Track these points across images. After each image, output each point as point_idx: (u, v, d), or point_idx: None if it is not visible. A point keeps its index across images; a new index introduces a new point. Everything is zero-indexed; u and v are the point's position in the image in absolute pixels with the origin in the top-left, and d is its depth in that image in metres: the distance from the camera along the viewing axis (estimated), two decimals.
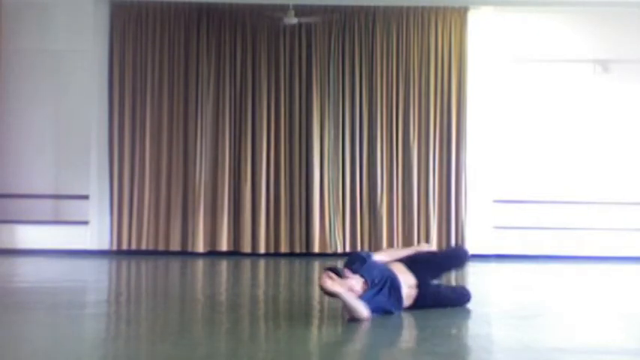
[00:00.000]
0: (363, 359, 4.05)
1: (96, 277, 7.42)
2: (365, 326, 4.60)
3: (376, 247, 9.26)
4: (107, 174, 9.28)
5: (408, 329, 4.54)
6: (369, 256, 5.07)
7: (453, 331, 4.46)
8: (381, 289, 4.82)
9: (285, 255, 9.20)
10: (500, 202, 9.36)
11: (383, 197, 9.30)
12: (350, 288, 4.70)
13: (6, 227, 9.13)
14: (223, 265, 8.49)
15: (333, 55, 9.37)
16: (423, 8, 9.41)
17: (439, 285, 5.31)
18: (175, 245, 9.22)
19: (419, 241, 9.27)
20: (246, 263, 8.51)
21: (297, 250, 9.27)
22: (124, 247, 9.23)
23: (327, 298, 5.51)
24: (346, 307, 4.63)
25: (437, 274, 5.29)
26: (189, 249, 9.20)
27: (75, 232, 9.19)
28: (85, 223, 9.24)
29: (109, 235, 9.23)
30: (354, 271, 4.83)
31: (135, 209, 9.25)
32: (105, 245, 9.22)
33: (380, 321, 4.93)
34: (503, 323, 4.69)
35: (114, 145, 9.27)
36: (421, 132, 9.38)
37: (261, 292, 6.36)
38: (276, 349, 4.12)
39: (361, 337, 4.46)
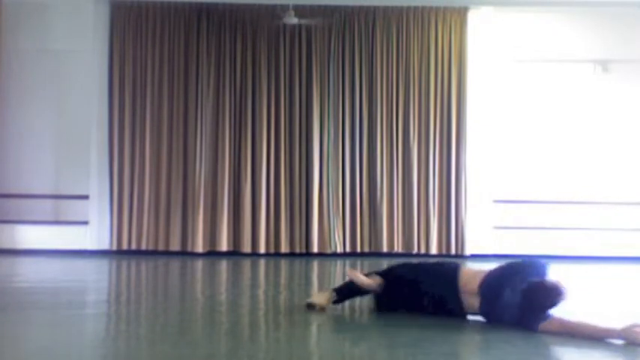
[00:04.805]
0: (363, 359, 4.05)
1: (96, 277, 7.41)
2: (366, 326, 4.59)
3: (376, 247, 9.27)
4: (107, 174, 9.29)
5: (409, 329, 4.54)
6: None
7: (453, 332, 4.46)
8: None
9: (285, 255, 9.20)
10: (500, 202, 9.37)
11: (383, 197, 9.30)
12: None
13: (6, 227, 9.13)
14: (223, 265, 8.48)
15: (333, 55, 9.37)
16: (423, 8, 9.41)
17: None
18: (175, 245, 9.22)
19: (419, 242, 9.28)
20: (246, 263, 8.51)
21: (297, 250, 9.27)
22: (124, 247, 9.23)
23: None
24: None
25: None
26: (189, 249, 9.20)
27: (75, 232, 9.19)
28: (85, 223, 9.24)
29: (109, 235, 9.23)
30: None
31: (135, 209, 9.25)
32: (105, 245, 9.22)
33: (381, 320, 4.94)
34: (503, 323, 4.68)
35: (114, 145, 9.27)
36: (421, 132, 9.39)
37: (261, 292, 6.36)
38: (276, 349, 4.12)
39: (361, 337, 4.46)
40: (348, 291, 5.19)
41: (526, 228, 9.33)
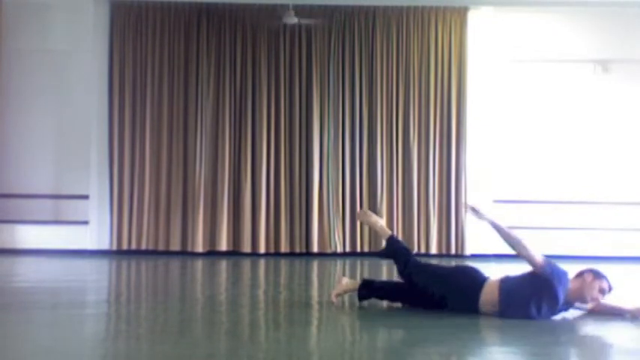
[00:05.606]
0: (363, 359, 4.05)
1: (96, 277, 7.40)
2: (365, 326, 4.59)
3: (376, 247, 9.26)
4: (107, 174, 9.29)
5: (409, 329, 4.53)
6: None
7: (454, 331, 4.45)
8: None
9: (285, 255, 9.20)
10: (500, 202, 9.35)
11: (383, 197, 9.30)
12: None
13: (6, 227, 9.13)
14: (223, 264, 8.48)
15: (333, 55, 9.38)
16: (423, 8, 9.42)
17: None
18: (175, 245, 9.22)
19: (419, 242, 9.27)
20: (246, 263, 8.51)
21: (297, 249, 9.27)
22: (124, 247, 9.23)
23: (326, 298, 5.52)
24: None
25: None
26: (189, 249, 9.21)
27: (75, 232, 9.20)
28: (85, 223, 9.24)
29: (109, 235, 9.24)
30: None
31: (135, 209, 9.25)
32: (105, 245, 9.22)
33: (381, 320, 4.93)
34: (503, 323, 4.68)
35: (114, 145, 9.28)
36: (421, 132, 9.39)
37: (261, 292, 6.36)
38: (276, 349, 4.12)
39: (361, 337, 4.46)
40: (377, 288, 5.21)
41: (526, 228, 9.28)
